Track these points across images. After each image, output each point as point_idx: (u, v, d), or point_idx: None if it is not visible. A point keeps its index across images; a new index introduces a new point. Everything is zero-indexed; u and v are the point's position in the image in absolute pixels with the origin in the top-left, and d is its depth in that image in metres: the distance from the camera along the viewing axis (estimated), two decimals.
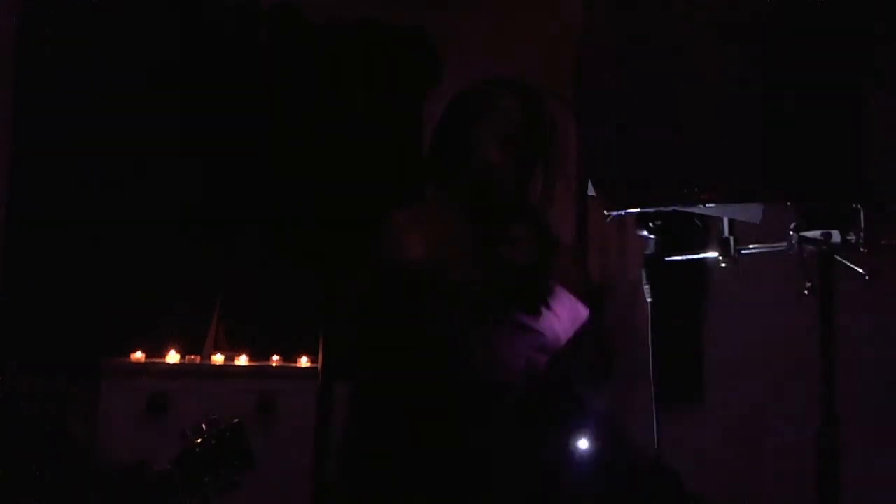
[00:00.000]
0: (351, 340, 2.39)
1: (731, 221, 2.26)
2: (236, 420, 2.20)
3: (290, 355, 4.40)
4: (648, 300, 2.42)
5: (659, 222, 2.32)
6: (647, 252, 2.37)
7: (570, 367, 2.36)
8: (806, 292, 2.01)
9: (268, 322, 4.45)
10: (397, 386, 2.18)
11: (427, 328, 2.16)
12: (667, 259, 2.37)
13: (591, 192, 2.33)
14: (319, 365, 4.08)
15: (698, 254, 2.37)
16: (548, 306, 2.20)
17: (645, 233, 2.34)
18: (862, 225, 1.97)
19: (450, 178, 2.28)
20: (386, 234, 2.24)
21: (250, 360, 4.34)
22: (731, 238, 2.27)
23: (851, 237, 1.98)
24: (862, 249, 1.98)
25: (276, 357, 4.39)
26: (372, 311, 2.24)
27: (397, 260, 2.19)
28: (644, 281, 2.42)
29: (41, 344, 4.07)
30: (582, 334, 2.35)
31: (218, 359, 4.31)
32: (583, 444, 2.29)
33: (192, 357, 4.32)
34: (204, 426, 2.19)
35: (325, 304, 4.13)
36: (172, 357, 4.27)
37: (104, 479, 3.69)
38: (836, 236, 1.99)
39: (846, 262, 2.03)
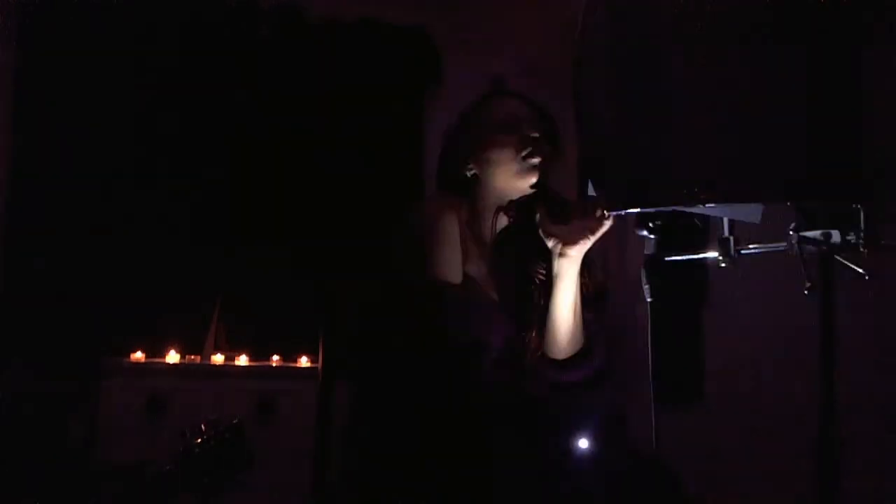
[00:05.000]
0: (362, 337, 2.41)
1: (731, 221, 2.26)
2: (236, 420, 2.21)
3: (290, 355, 4.40)
4: (648, 300, 2.42)
5: (659, 222, 2.32)
6: (647, 252, 2.37)
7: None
8: (806, 292, 2.01)
9: (268, 322, 4.45)
10: (407, 387, 2.19)
11: (447, 331, 2.18)
12: (667, 259, 2.37)
13: (591, 192, 2.33)
14: (319, 365, 4.08)
15: (698, 254, 2.36)
16: None
17: (645, 233, 2.34)
18: (862, 225, 1.96)
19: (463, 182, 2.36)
20: (416, 236, 2.26)
21: (250, 360, 4.34)
22: (731, 238, 2.27)
23: (851, 237, 1.97)
24: (862, 249, 1.98)
25: (276, 357, 4.40)
26: (393, 308, 2.26)
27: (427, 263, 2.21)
28: (644, 281, 2.42)
29: (41, 344, 4.07)
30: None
31: (218, 359, 4.31)
32: (583, 444, 2.29)
33: (192, 357, 4.32)
34: (203, 426, 2.19)
35: (326, 303, 4.13)
36: (172, 357, 4.27)
37: (104, 479, 3.68)
38: (836, 236, 1.98)
39: (846, 262, 2.03)
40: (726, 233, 2.26)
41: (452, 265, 2.22)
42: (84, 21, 4.28)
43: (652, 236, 2.34)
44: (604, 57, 2.14)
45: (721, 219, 2.27)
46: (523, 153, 2.34)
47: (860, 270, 2.06)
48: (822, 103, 1.90)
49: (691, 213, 2.23)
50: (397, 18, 4.53)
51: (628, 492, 2.25)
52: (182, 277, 4.35)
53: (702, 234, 2.44)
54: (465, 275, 2.26)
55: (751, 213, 2.25)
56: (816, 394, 1.98)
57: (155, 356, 4.28)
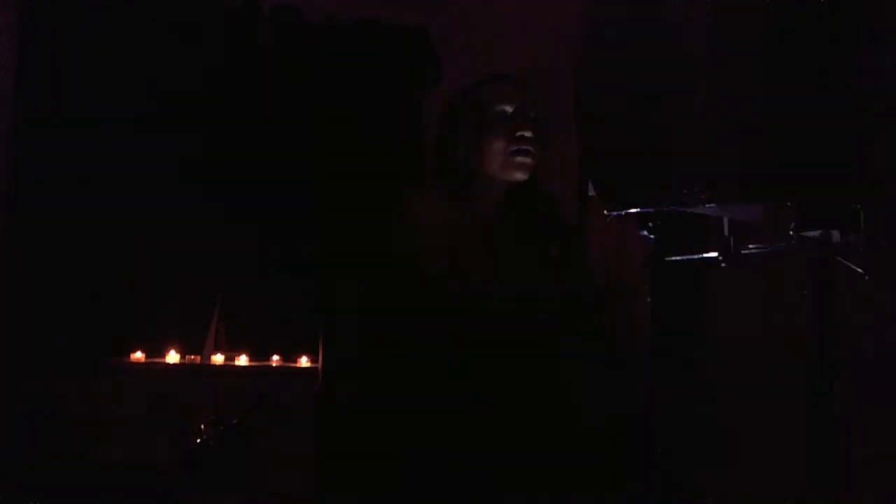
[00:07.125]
0: (357, 337, 2.42)
1: (731, 221, 2.26)
2: (236, 420, 2.21)
3: (290, 355, 4.40)
4: (648, 300, 2.42)
5: (659, 222, 2.32)
6: (648, 252, 2.37)
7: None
8: (806, 292, 2.01)
9: (268, 322, 4.45)
10: (404, 386, 2.19)
11: (441, 323, 2.18)
12: (667, 259, 2.37)
13: (591, 192, 2.33)
14: (319, 365, 4.08)
15: (698, 254, 2.36)
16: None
17: (645, 233, 2.34)
18: (862, 225, 1.96)
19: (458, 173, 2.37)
20: (403, 226, 2.27)
21: (250, 360, 4.34)
22: (731, 238, 2.27)
23: (851, 237, 1.98)
24: (862, 249, 1.98)
25: (276, 357, 4.40)
26: (384, 306, 2.27)
27: (414, 256, 2.21)
28: (644, 281, 2.42)
29: (41, 344, 4.08)
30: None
31: (218, 359, 4.32)
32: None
33: (192, 357, 4.32)
34: (203, 426, 2.20)
35: (325, 303, 4.13)
36: (172, 357, 4.28)
37: (104, 478, 3.69)
38: (835, 236, 1.99)
39: (846, 262, 2.03)
40: (726, 233, 2.26)
41: (443, 256, 2.22)
42: (84, 21, 4.28)
43: (652, 236, 2.34)
44: (607, 58, 2.14)
45: (721, 219, 2.27)
46: (512, 149, 2.36)
47: (860, 270, 2.06)
48: (823, 103, 1.90)
49: (691, 213, 2.24)
50: (397, 18, 4.53)
51: (628, 492, 2.26)
52: (182, 277, 4.36)
53: (702, 234, 2.44)
54: (459, 266, 2.25)
55: (751, 213, 2.26)
56: (817, 394, 1.98)
57: (155, 356, 4.29)
